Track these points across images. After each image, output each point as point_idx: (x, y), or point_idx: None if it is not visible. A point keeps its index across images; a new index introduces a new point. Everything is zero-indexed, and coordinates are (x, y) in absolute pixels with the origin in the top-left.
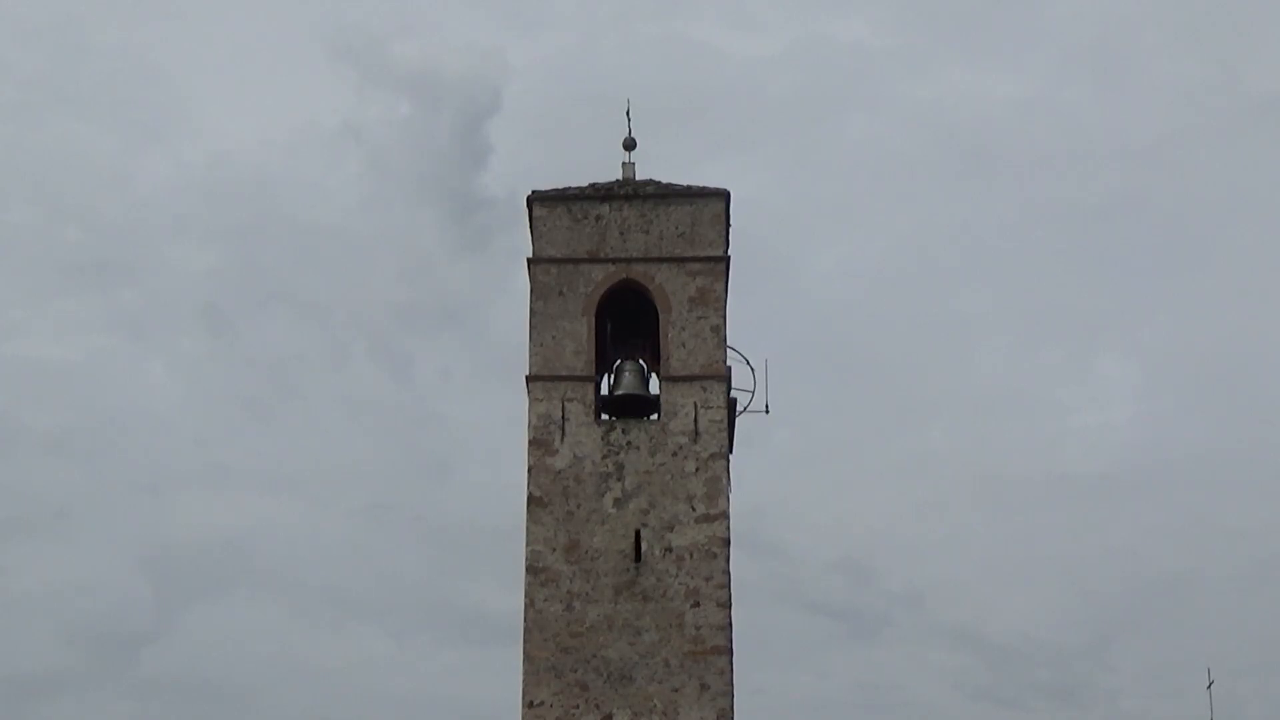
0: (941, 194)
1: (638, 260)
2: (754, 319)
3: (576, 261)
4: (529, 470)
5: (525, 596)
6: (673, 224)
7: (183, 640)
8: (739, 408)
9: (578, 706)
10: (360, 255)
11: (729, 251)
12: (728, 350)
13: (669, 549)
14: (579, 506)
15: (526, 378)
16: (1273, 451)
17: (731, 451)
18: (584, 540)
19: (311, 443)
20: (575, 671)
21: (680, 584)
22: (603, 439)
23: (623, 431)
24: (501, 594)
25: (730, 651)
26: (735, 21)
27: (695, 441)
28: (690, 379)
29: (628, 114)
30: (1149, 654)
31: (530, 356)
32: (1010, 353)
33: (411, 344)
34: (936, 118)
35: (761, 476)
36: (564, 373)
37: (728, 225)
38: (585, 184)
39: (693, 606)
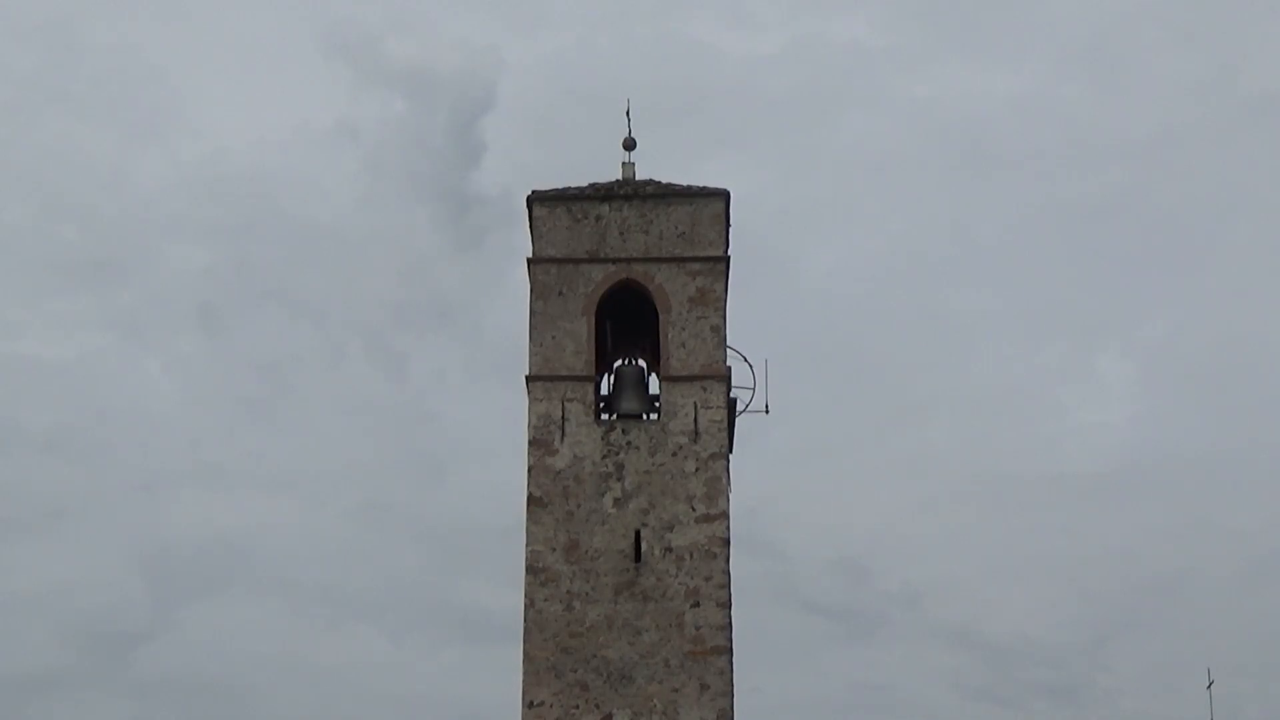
0: (939, 192)
1: (638, 260)
2: (754, 319)
3: (576, 261)
4: (529, 470)
5: (525, 596)
6: (672, 224)
7: (179, 640)
8: (739, 407)
9: (578, 706)
10: (356, 254)
11: (729, 251)
12: (727, 350)
13: (669, 549)
14: (579, 506)
15: (526, 378)
16: (1272, 451)
17: (731, 451)
18: (584, 540)
19: (307, 442)
20: (575, 671)
21: (680, 584)
22: (603, 439)
23: (623, 431)
24: (501, 594)
25: (730, 651)
26: (733, 20)
27: (695, 441)
28: (690, 379)
29: (627, 114)
30: (1148, 654)
31: (530, 356)
32: (1009, 351)
33: (407, 343)
34: (934, 115)
35: (761, 476)
36: (564, 373)
37: (728, 225)
38: (584, 184)
39: (693, 606)
